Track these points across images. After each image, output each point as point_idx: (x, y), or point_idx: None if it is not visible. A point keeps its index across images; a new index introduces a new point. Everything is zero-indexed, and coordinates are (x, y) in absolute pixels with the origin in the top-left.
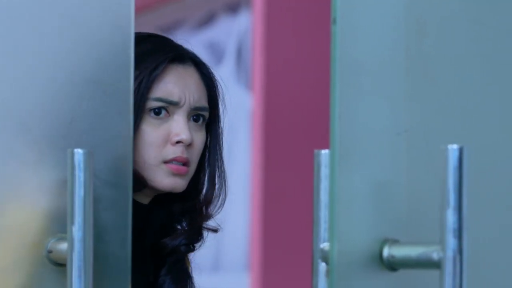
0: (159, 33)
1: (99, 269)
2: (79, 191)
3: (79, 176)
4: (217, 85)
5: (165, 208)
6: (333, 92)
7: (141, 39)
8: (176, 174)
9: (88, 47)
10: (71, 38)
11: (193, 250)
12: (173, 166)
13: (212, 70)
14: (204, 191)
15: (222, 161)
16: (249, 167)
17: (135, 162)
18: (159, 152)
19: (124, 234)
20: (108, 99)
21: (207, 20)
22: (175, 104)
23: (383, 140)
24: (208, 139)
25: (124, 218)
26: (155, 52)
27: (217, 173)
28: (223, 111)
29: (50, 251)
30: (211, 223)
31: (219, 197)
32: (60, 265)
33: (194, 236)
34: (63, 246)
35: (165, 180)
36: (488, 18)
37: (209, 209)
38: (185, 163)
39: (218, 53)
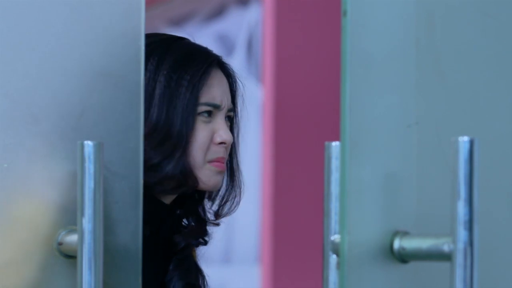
0: (170, 26)
1: (109, 261)
2: (89, 183)
3: (89, 168)
4: (238, 84)
5: (184, 207)
6: (344, 84)
7: (173, 40)
8: (219, 172)
9: (98, 39)
10: (81, 31)
11: (205, 243)
12: (217, 164)
13: (232, 68)
14: (222, 190)
15: (239, 162)
16: (259, 159)
17: (188, 162)
18: (206, 152)
19: (135, 227)
20: (118, 92)
21: (218, 12)
22: (217, 107)
23: (394, 132)
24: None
25: (135, 210)
26: (197, 57)
27: (236, 174)
28: (241, 109)
29: (60, 243)
30: (211, 217)
31: (235, 198)
32: (70, 257)
33: (202, 233)
34: (73, 238)
35: (212, 179)
36: (498, 10)
37: (224, 209)
38: (224, 163)
39: (228, 45)
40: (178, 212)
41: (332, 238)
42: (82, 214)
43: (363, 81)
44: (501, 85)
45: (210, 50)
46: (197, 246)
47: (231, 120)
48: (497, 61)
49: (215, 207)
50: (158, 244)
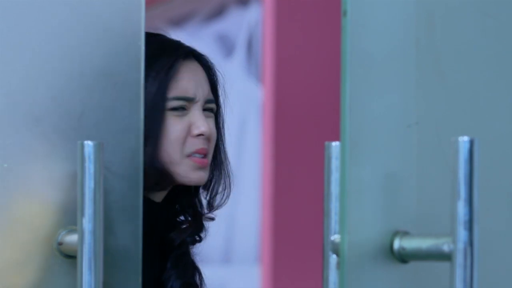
0: (170, 26)
1: (110, 261)
2: (89, 183)
3: (89, 168)
4: (218, 75)
5: (175, 203)
6: (344, 84)
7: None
8: (200, 167)
9: (99, 40)
10: (82, 31)
11: (200, 241)
12: (196, 159)
13: (210, 59)
14: (212, 183)
15: (226, 152)
16: (259, 159)
17: (164, 160)
18: (182, 146)
19: (135, 227)
20: (118, 92)
21: (218, 12)
22: (191, 100)
23: (394, 132)
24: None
25: (135, 211)
26: (165, 52)
27: (223, 165)
28: (224, 100)
29: (60, 243)
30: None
31: (225, 190)
32: (70, 257)
33: (199, 228)
34: (74, 238)
35: (191, 174)
36: (498, 10)
37: (214, 202)
38: (205, 155)
39: (228, 45)
40: (176, 207)
41: (332, 238)
42: (82, 214)
43: (363, 81)
44: (501, 85)
45: (182, 44)
46: (193, 243)
47: (214, 112)
48: (497, 61)
49: (206, 200)
50: (154, 242)
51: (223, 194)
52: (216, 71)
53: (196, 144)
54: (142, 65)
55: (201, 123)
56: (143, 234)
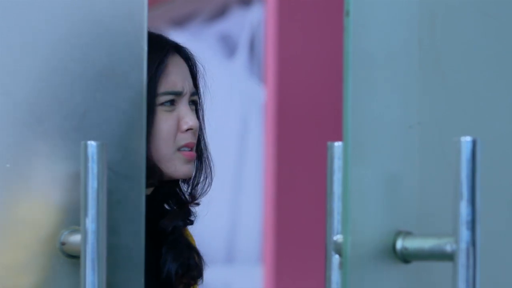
0: (173, 26)
1: (113, 261)
2: (92, 183)
3: (93, 168)
4: (198, 66)
5: (161, 192)
6: (346, 85)
7: None
8: (189, 160)
9: (101, 39)
10: (84, 31)
11: (191, 223)
12: (186, 153)
13: (190, 50)
14: (202, 173)
15: (207, 143)
16: (262, 159)
17: (152, 155)
18: (173, 141)
19: (138, 226)
20: (121, 92)
21: (220, 12)
22: (179, 94)
23: (396, 133)
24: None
25: (138, 210)
26: (153, 47)
27: (204, 155)
28: (204, 92)
29: (63, 243)
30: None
31: (206, 179)
32: (73, 257)
33: (187, 213)
34: (77, 238)
35: (181, 168)
36: (500, 11)
37: (197, 191)
38: (192, 148)
39: (230, 45)
40: (160, 197)
41: (335, 238)
42: (86, 214)
43: (365, 81)
44: (503, 85)
45: (165, 37)
46: (185, 226)
47: (195, 104)
48: (499, 61)
49: (188, 190)
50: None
51: (204, 184)
52: (197, 62)
53: (185, 139)
54: (145, 65)
55: (189, 118)
56: None
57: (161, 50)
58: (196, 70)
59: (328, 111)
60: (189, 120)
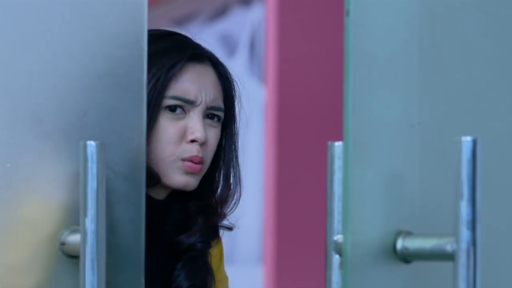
0: (173, 26)
1: (112, 262)
2: (92, 183)
3: (92, 168)
4: (234, 85)
5: (181, 204)
6: (347, 84)
7: (160, 36)
8: (189, 172)
9: (101, 40)
10: (85, 31)
11: (210, 247)
12: (188, 164)
13: (229, 70)
14: (219, 190)
15: (238, 161)
16: (262, 159)
17: (150, 158)
18: (175, 149)
19: (138, 227)
20: (121, 92)
21: (220, 12)
22: (191, 103)
23: (397, 132)
24: (224, 139)
25: (138, 211)
26: (173, 50)
27: (232, 173)
28: (239, 111)
29: (63, 243)
30: (225, 221)
31: (234, 197)
32: (73, 257)
33: (210, 233)
34: (76, 238)
35: (179, 177)
36: (501, 11)
37: (223, 209)
38: (199, 162)
39: (231, 45)
40: (189, 209)
41: (335, 238)
42: (85, 214)
43: (366, 81)
44: (504, 85)
45: (195, 46)
46: (202, 248)
47: (222, 121)
48: (500, 61)
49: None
50: (160, 240)
51: (229, 205)
52: (234, 82)
53: (190, 151)
54: (145, 66)
55: (196, 129)
56: (149, 230)
57: (178, 55)
58: (230, 87)
59: (328, 111)
60: (196, 131)
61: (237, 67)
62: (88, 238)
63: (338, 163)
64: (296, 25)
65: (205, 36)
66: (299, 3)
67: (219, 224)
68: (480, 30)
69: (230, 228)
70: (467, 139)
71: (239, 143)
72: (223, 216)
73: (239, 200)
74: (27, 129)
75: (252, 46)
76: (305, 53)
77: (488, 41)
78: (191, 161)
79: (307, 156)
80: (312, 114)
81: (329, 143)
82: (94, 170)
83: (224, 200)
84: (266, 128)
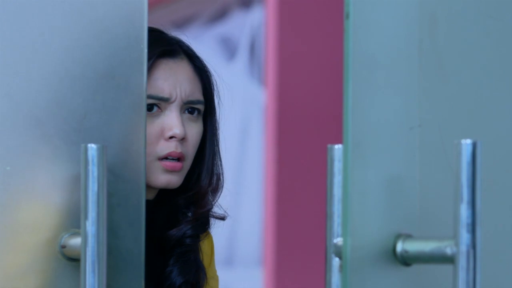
0: (173, 28)
1: (113, 264)
2: (92, 186)
3: (93, 171)
4: (211, 78)
5: (169, 201)
6: (346, 87)
7: None
8: (170, 171)
9: (101, 42)
10: (84, 33)
11: (199, 240)
12: (167, 163)
13: (206, 63)
14: (204, 182)
15: (219, 152)
16: (262, 162)
17: None
18: (153, 149)
19: (138, 229)
20: (121, 94)
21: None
22: (166, 100)
23: (396, 135)
24: (206, 131)
25: (138, 213)
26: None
27: (214, 165)
28: (218, 103)
29: (63, 246)
30: (218, 210)
31: (218, 187)
32: (73, 260)
33: (199, 226)
34: (77, 241)
35: (160, 177)
36: (501, 12)
37: (208, 199)
38: (180, 158)
39: (231, 48)
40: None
41: (335, 241)
42: (86, 217)
43: (366, 84)
44: (505, 87)
45: (170, 40)
46: (192, 242)
47: (202, 113)
48: (500, 63)
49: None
50: (152, 240)
51: (216, 194)
52: (211, 74)
53: (168, 148)
54: (145, 68)
55: (174, 125)
56: None
57: (151, 50)
58: (207, 79)
59: (328, 114)
60: (174, 127)
61: (237, 69)
62: (89, 241)
63: (338, 166)
64: (296, 28)
65: (205, 38)
66: (299, 5)
67: (211, 214)
68: (480, 32)
69: (222, 218)
70: (467, 142)
71: (219, 134)
72: (209, 206)
73: (221, 191)
74: (27, 131)
75: (252, 49)
76: (305, 55)
77: (489, 42)
78: (170, 156)
79: (307, 159)
80: (312, 116)
81: (329, 145)
82: (95, 173)
83: (206, 191)
84: (266, 131)
